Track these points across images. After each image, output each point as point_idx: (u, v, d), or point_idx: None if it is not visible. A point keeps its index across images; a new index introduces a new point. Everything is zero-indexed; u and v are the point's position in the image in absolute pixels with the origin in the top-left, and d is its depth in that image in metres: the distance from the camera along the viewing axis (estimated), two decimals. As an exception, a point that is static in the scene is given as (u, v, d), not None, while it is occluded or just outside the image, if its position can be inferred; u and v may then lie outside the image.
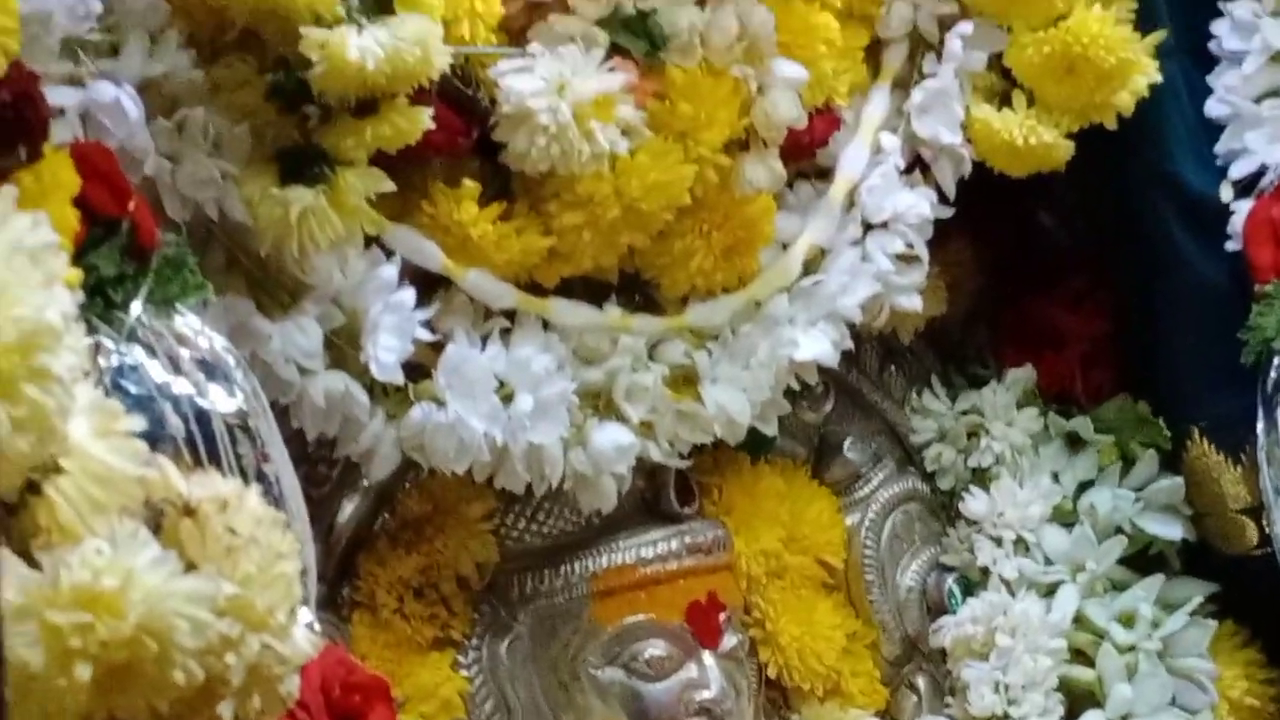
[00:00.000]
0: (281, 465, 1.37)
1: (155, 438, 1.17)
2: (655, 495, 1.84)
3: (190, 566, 1.06)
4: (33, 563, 1.02)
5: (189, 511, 1.08)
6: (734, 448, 1.90)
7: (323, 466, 1.72)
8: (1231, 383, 1.92)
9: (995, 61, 1.94)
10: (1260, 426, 1.90)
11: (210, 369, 1.32)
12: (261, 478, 1.27)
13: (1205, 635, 2.01)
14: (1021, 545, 2.01)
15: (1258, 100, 1.96)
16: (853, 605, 1.99)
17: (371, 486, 1.75)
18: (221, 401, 1.29)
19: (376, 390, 1.64)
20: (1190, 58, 1.99)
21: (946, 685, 2.02)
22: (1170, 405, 2.04)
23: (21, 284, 1.02)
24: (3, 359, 0.98)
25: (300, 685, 1.31)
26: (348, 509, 1.75)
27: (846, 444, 2.02)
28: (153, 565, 1.02)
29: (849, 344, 1.89)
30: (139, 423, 1.11)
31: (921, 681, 2.03)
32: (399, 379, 1.63)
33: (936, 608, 2.02)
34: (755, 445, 1.91)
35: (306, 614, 1.18)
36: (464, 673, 1.78)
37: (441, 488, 1.76)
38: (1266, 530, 1.91)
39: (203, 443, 1.25)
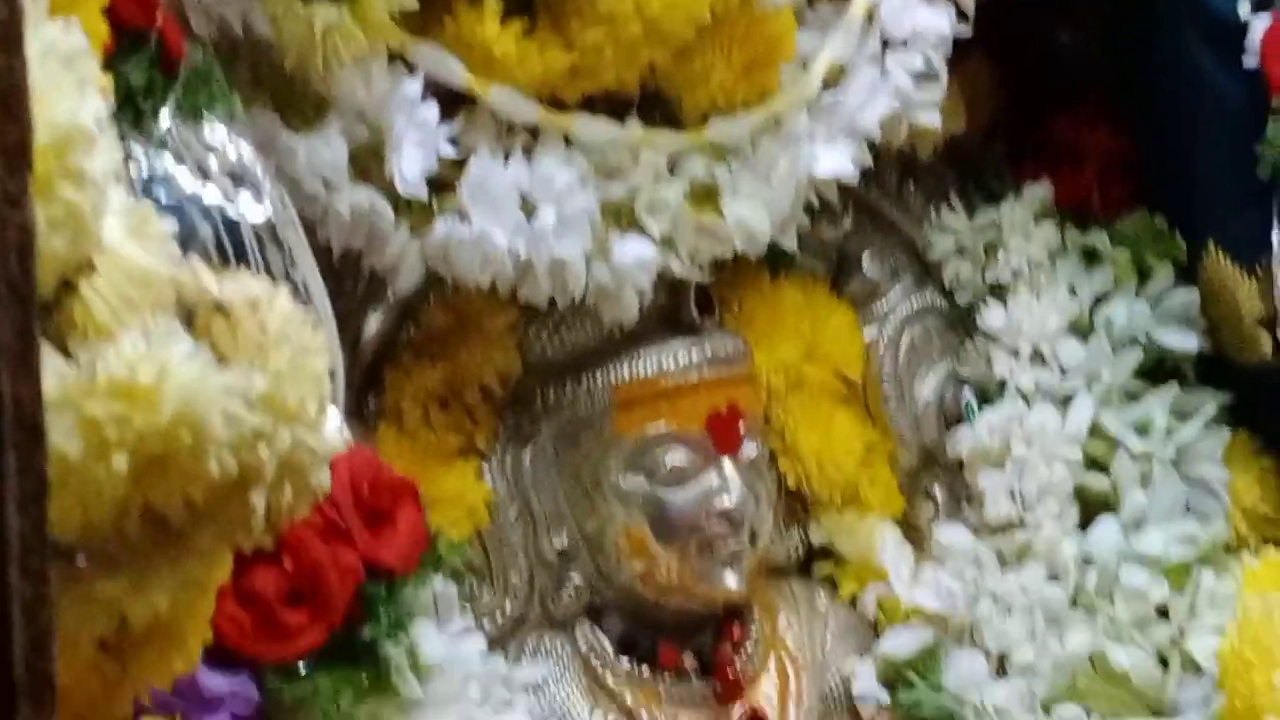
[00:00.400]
0: (309, 273, 1.41)
1: (186, 243, 1.20)
2: (676, 308, 1.87)
3: (222, 363, 1.09)
4: (69, 359, 1.05)
5: (220, 310, 1.10)
6: (754, 262, 1.92)
7: (348, 280, 1.74)
8: (1248, 196, 1.94)
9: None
10: (1275, 238, 1.92)
11: (239, 178, 1.34)
12: (290, 283, 1.30)
13: (1219, 444, 2.04)
14: (1038, 357, 2.04)
15: (1275, -86, 1.96)
16: (870, 417, 2.02)
17: (396, 300, 1.77)
18: (250, 210, 1.31)
19: (401, 205, 1.66)
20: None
21: (963, 494, 2.05)
22: (1187, 219, 2.05)
23: (55, 88, 1.03)
24: (38, 160, 1.00)
25: (330, 483, 1.36)
26: (373, 322, 1.78)
27: (865, 259, 2.05)
28: (187, 359, 1.04)
29: (868, 160, 1.90)
30: (170, 226, 1.14)
31: (938, 491, 2.06)
32: (423, 194, 1.65)
33: (953, 419, 2.05)
34: (775, 260, 1.94)
35: (335, 414, 1.21)
36: (488, 481, 1.81)
37: (465, 301, 1.79)
38: (1280, 340, 1.94)
39: (232, 249, 1.28)
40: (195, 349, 1.06)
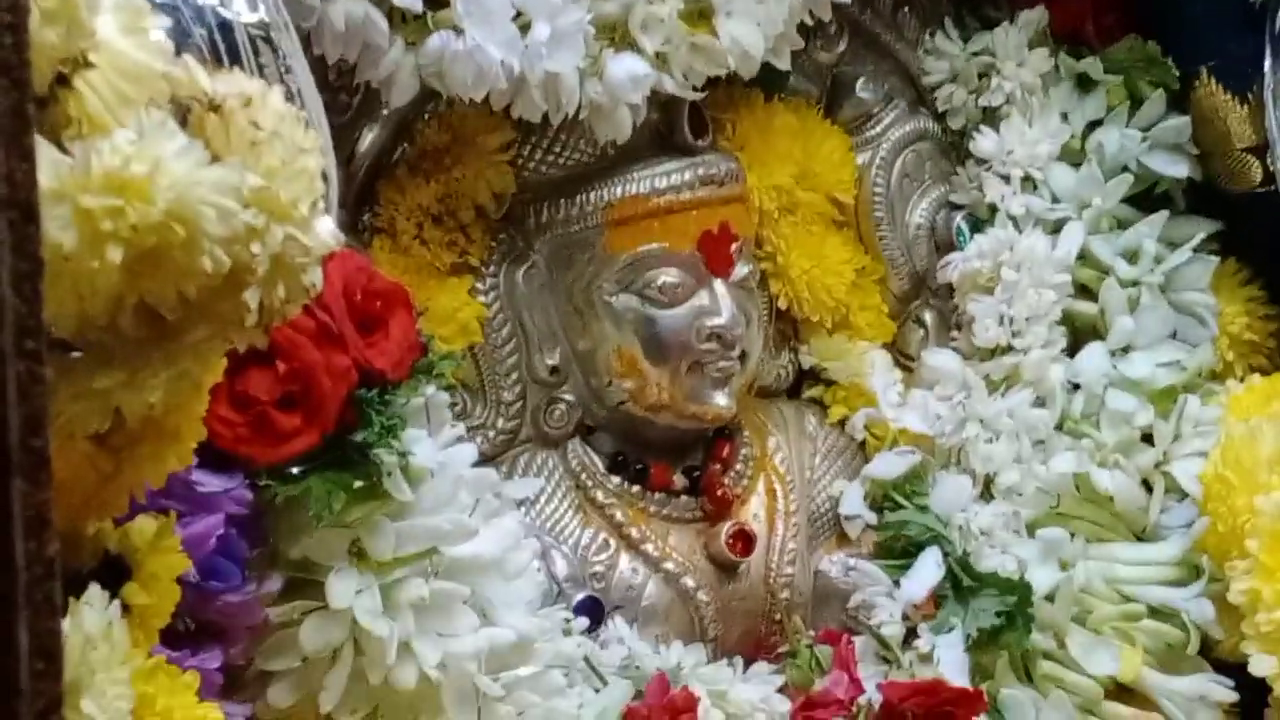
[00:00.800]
0: (304, 81, 1.40)
1: (179, 45, 1.19)
2: (670, 127, 1.87)
3: (215, 160, 1.09)
4: (65, 153, 1.05)
5: (214, 107, 1.11)
6: (748, 84, 1.92)
7: (344, 95, 1.74)
8: (1241, 23, 1.94)
9: None
10: (1268, 65, 1.92)
11: (233, -21, 1.34)
12: (283, 87, 1.30)
13: (1207, 271, 2.06)
14: (1029, 183, 2.05)
15: None
16: (862, 242, 2.03)
17: (391, 115, 1.77)
18: (244, 11, 1.31)
19: (395, 17, 1.65)
20: None
21: (953, 319, 2.07)
22: (1179, 46, 2.05)
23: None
24: (30, -48, 1.00)
25: (323, 288, 1.37)
26: (368, 138, 1.78)
27: (859, 84, 2.05)
28: (180, 154, 1.05)
29: (863, -18, 1.91)
30: (165, 23, 1.14)
31: (928, 316, 2.07)
32: (418, 6, 1.64)
33: (945, 244, 2.07)
34: (769, 81, 1.93)
35: (328, 216, 1.22)
36: (481, 298, 1.82)
37: (460, 118, 1.79)
38: (1270, 168, 1.95)
39: (225, 51, 1.27)
40: (189, 144, 1.06)
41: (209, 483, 1.32)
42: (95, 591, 1.12)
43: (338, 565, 1.37)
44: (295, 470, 1.35)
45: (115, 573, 1.20)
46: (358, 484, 1.37)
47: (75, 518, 1.19)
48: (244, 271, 1.09)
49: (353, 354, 1.36)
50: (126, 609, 1.19)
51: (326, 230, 1.14)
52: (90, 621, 1.10)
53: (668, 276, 1.82)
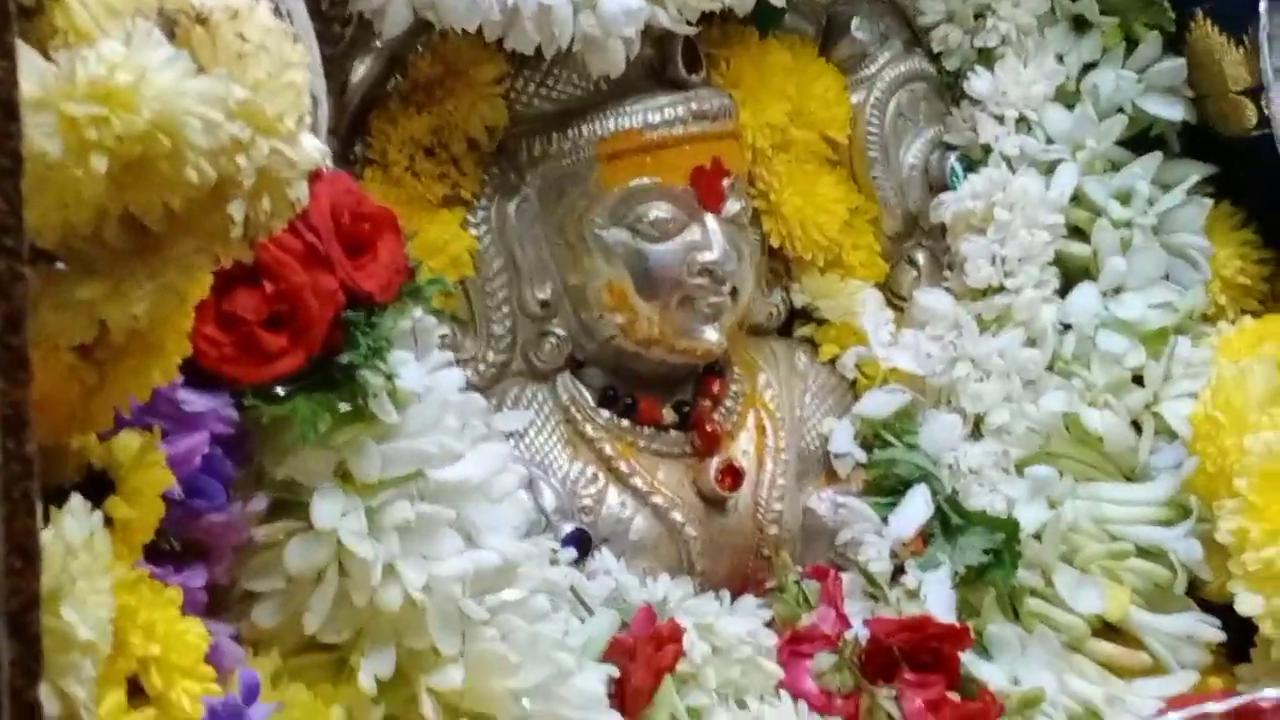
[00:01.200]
0: (294, 6, 1.40)
1: (167, -39, 1.20)
2: (663, 62, 1.86)
3: (201, 72, 1.09)
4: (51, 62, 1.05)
5: (201, 20, 1.10)
6: (742, 20, 1.92)
7: (337, 25, 1.74)
8: (1237, -37, 1.95)
9: None
10: (1263, 8, 1.93)
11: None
12: (272, 3, 1.30)
13: (1201, 213, 2.06)
14: (1024, 124, 2.04)
15: None
16: (855, 181, 2.03)
17: (384, 47, 1.77)
18: (233, -70, 1.31)
19: (388, -53, 1.66)
20: None
21: (945, 260, 2.07)
22: (1175, -13, 2.06)
23: None
24: None
25: (310, 210, 1.37)
26: (360, 69, 1.78)
27: (854, 23, 2.04)
28: (166, 64, 1.04)
29: (860, -81, 1.91)
30: (150, -65, 1.14)
31: (921, 256, 2.07)
32: (410, -65, 1.65)
33: (938, 185, 2.06)
34: (764, 18, 1.93)
35: (315, 134, 1.22)
36: (473, 231, 1.82)
37: (453, 50, 1.79)
38: (1265, 111, 1.94)
39: (214, -32, 1.27)
40: (175, 55, 1.06)
41: (194, 402, 1.32)
42: (77, 502, 1.12)
43: (323, 487, 1.37)
44: (281, 391, 1.35)
45: (99, 487, 1.20)
46: (344, 406, 1.37)
47: (59, 431, 1.19)
48: (229, 184, 1.09)
49: (340, 276, 1.36)
50: (109, 523, 1.19)
51: (312, 145, 1.14)
52: (71, 530, 1.10)
53: (659, 211, 1.82)
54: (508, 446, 1.62)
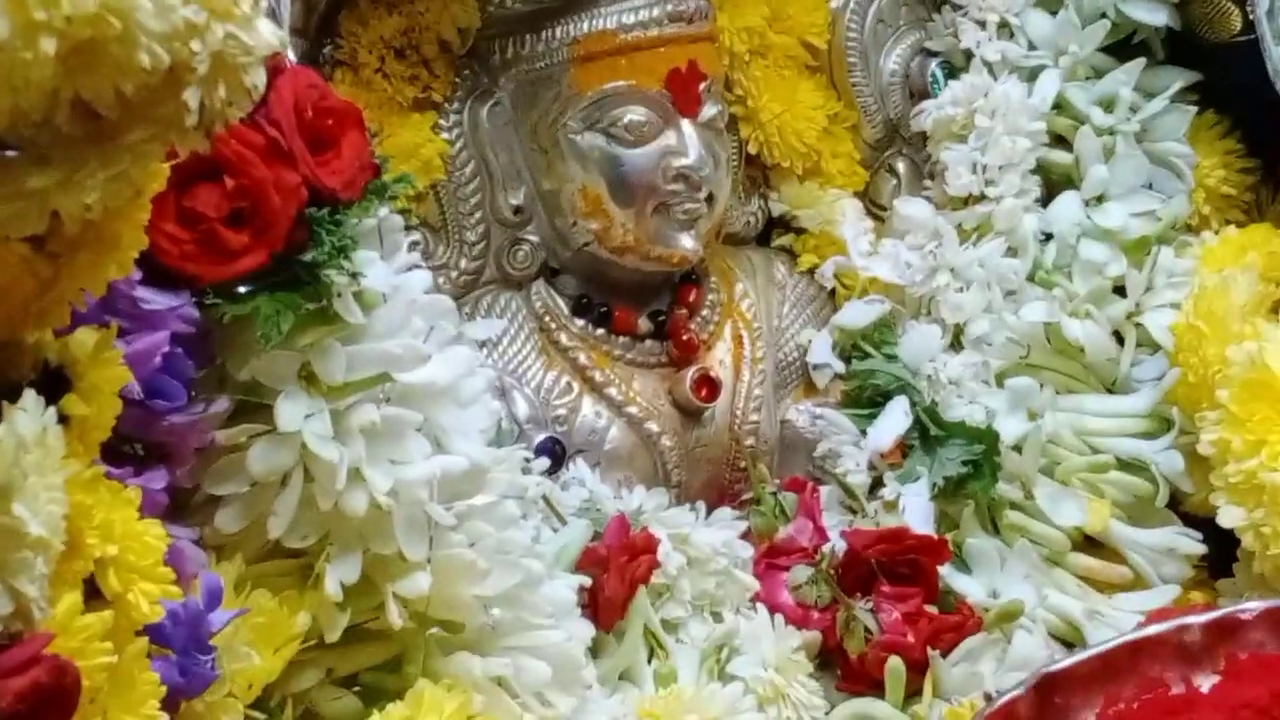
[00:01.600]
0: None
1: None
2: (638, -36, 1.83)
3: (155, -46, 1.06)
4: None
5: (153, -101, 1.08)
6: (720, -79, 1.89)
7: (304, -78, 1.71)
8: None
9: None
10: (1251, -91, 1.89)
11: None
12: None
13: (1184, 120, 2.03)
14: (1005, 29, 2.01)
15: None
16: (835, 88, 2.00)
17: (353, -55, 1.74)
18: None
19: None
20: None
21: (925, 169, 2.04)
22: (1160, -111, 2.02)
23: None
24: None
25: (272, 104, 1.34)
26: (329, -32, 1.75)
27: (833, -74, 2.01)
28: (116, -56, 1.02)
29: None
30: None
31: (901, 165, 2.05)
32: None
33: (919, 92, 2.03)
34: (741, -80, 1.90)
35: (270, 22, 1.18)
36: (444, 135, 1.79)
37: (424, -51, 1.76)
38: (1250, 16, 1.91)
39: None
40: (126, -64, 1.03)
41: (154, 300, 1.28)
42: (30, 397, 1.09)
43: (287, 389, 1.34)
44: (243, 290, 1.32)
45: (55, 384, 1.17)
46: (308, 306, 1.34)
47: (14, 327, 1.16)
48: (183, 70, 1.06)
49: (303, 171, 1.32)
50: (66, 421, 1.16)
51: (269, 31, 1.11)
52: (24, 425, 1.07)
53: (634, 115, 1.79)
54: (476, 350, 1.58)
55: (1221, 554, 1.86)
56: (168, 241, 1.29)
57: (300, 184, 1.32)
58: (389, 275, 1.41)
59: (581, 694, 1.48)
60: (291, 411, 1.33)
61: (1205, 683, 1.55)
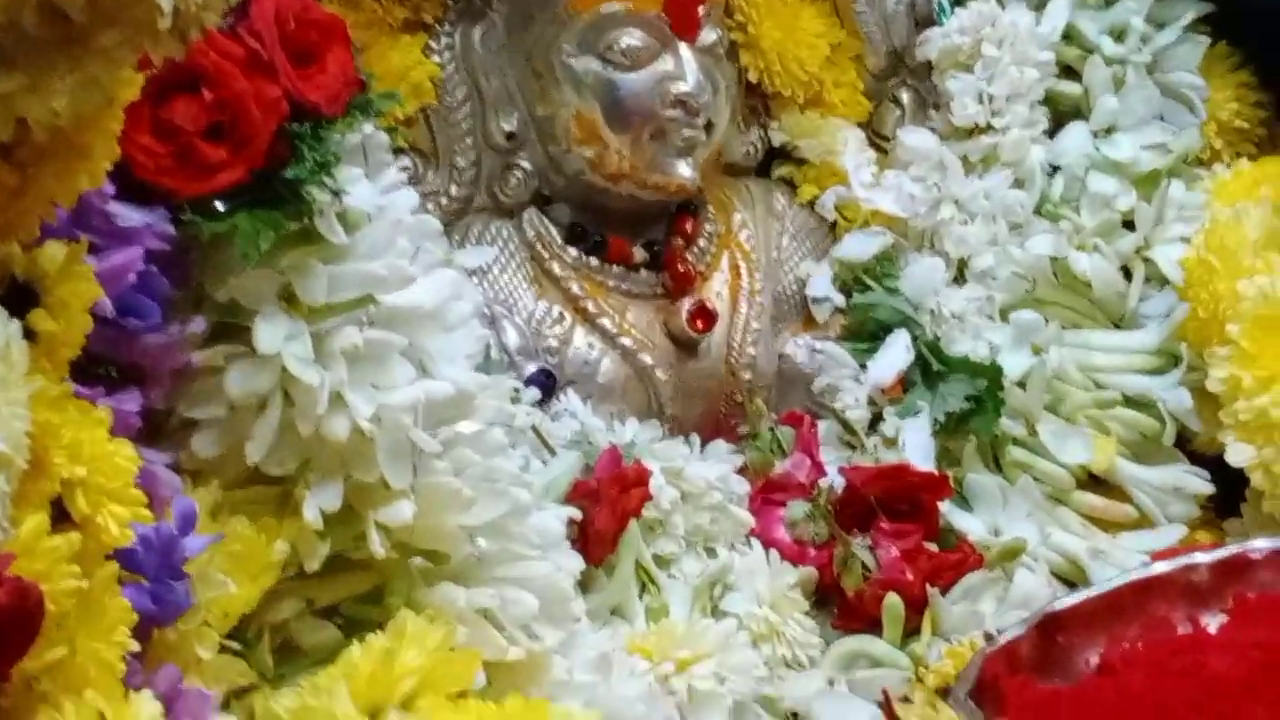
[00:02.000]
0: None
1: None
2: (637, -119, 1.78)
3: None
4: None
5: None
6: None
7: None
8: None
9: None
10: None
11: None
12: None
13: (1197, 52, 1.98)
14: (1013, -45, 1.96)
15: None
16: (838, 15, 1.94)
17: None
18: None
19: None
20: None
21: (930, 99, 1.99)
22: None
23: None
24: None
25: (253, 15, 1.29)
26: (316, -114, 1.69)
27: None
28: None
29: None
30: None
31: (905, 95, 1.99)
32: None
33: (924, 20, 1.98)
34: None
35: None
36: (435, 58, 1.75)
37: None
38: (1266, -56, 1.87)
39: None
40: None
41: (128, 215, 1.24)
42: (-6, 309, 1.05)
43: (266, 309, 1.29)
44: (221, 206, 1.27)
45: (21, 299, 1.13)
46: (289, 224, 1.29)
47: (-21, 239, 1.12)
48: (155, -28, 1.02)
49: (284, 85, 1.28)
50: (34, 337, 1.12)
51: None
52: (-14, 338, 1.03)
53: (631, 38, 1.74)
54: (462, 273, 1.53)
55: (1229, 493, 1.82)
56: (143, 154, 1.25)
57: (281, 97, 1.28)
58: (374, 194, 1.36)
59: (570, 627, 1.44)
60: (271, 333, 1.29)
61: (1213, 622, 1.52)
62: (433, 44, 1.75)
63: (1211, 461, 1.82)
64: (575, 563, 1.50)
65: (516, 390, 1.63)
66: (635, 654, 1.54)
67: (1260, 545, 1.55)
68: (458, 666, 1.32)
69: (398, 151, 1.68)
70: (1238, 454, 1.72)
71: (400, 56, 1.72)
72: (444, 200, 1.77)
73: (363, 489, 1.33)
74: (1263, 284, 1.71)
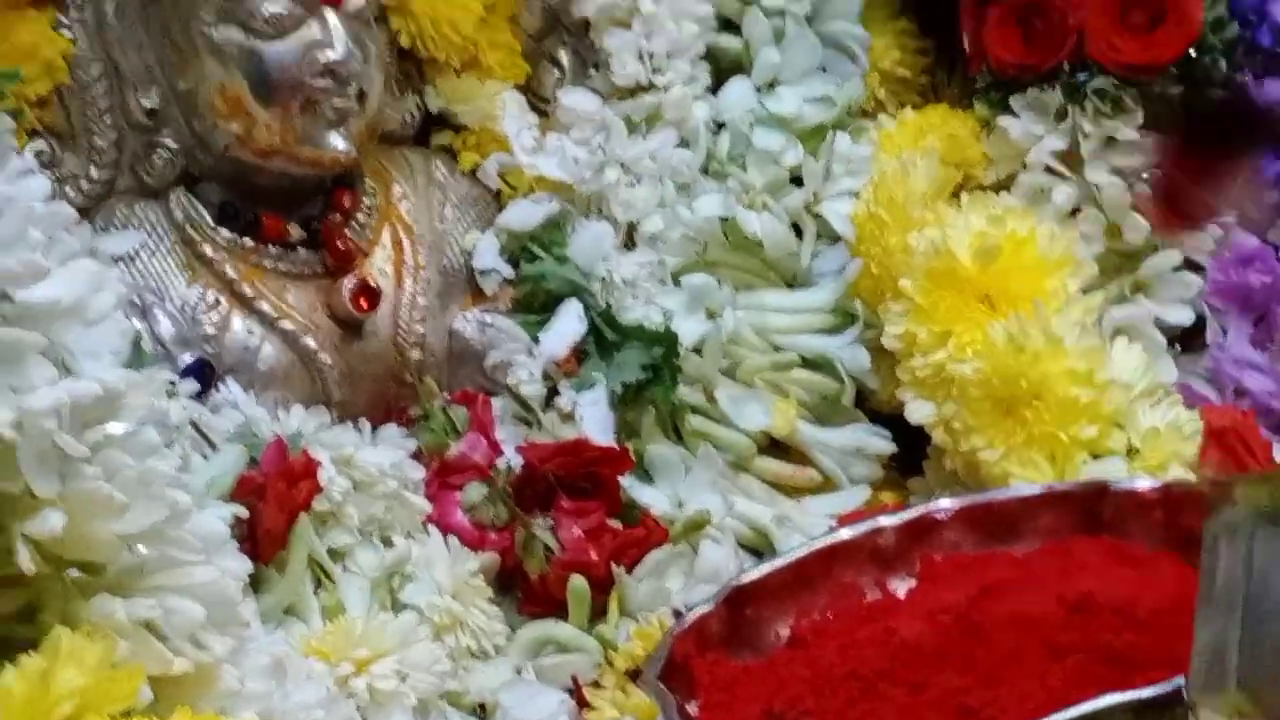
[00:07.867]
0: None
1: None
2: None
3: None
4: None
5: None
6: None
7: None
8: None
9: None
10: None
11: None
12: None
13: (856, 2, 1.95)
14: (670, -94, 1.91)
15: None
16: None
17: None
18: None
19: None
20: None
21: (590, 58, 1.94)
22: None
23: None
24: None
25: None
26: None
27: None
28: None
29: None
30: None
31: (564, 54, 1.94)
32: None
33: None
34: None
35: None
36: (67, 33, 1.65)
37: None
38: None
39: None
40: None
41: None
42: None
43: (-121, 315, 1.19)
44: None
45: None
46: (-96, 220, 1.19)
47: None
48: None
49: (-107, 68, 1.18)
50: None
51: None
52: None
53: (274, 5, 1.65)
54: (103, 264, 1.44)
55: (911, 452, 1.81)
56: None
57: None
58: (1, 183, 1.26)
59: (240, 634, 1.35)
60: (-108, 339, 1.19)
61: (901, 587, 1.51)
62: (62, 18, 1.65)
63: (892, 419, 1.81)
64: (243, 565, 1.40)
65: (172, 383, 1.54)
66: (312, 656, 1.46)
67: (945, 505, 1.55)
68: (120, 684, 1.23)
69: (31, 134, 1.61)
70: (917, 411, 1.71)
71: (28, 32, 1.62)
72: (84, 184, 1.67)
73: (7, 500, 1.23)
74: (933, 236, 1.70)
